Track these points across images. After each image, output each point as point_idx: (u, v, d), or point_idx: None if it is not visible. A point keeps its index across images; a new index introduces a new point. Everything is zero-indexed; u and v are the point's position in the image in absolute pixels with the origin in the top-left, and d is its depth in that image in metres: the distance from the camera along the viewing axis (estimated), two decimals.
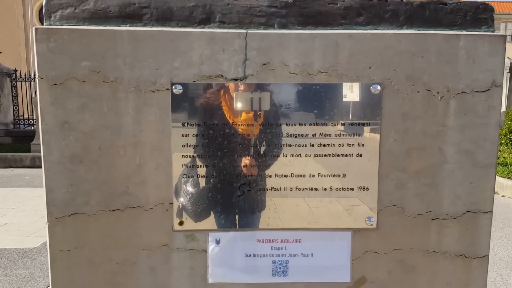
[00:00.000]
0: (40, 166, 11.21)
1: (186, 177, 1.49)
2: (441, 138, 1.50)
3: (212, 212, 1.54)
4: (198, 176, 1.50)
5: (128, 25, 1.42)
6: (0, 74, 14.67)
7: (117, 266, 1.55)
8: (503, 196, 7.84)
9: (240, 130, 1.48)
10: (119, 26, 1.42)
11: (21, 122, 15.48)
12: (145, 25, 1.43)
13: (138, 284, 1.56)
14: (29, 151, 12.37)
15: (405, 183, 1.53)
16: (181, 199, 1.52)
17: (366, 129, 1.50)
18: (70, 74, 1.41)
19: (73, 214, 1.50)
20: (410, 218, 1.55)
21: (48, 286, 4.00)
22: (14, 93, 15.13)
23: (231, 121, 1.47)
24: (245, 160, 1.49)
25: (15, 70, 15.28)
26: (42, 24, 1.45)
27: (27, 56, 25.49)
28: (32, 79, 15.13)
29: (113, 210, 1.50)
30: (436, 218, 1.55)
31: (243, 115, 1.46)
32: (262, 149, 1.49)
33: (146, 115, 1.45)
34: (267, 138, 1.48)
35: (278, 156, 1.50)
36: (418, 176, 1.52)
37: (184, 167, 1.49)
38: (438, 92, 1.47)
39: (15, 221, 6.33)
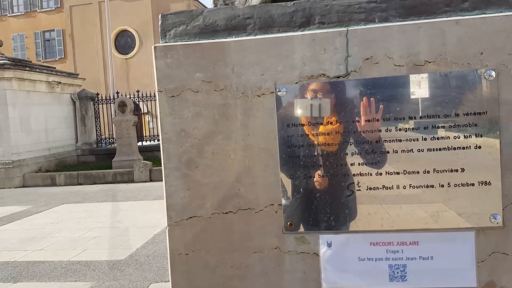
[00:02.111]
0: (120, 182, 12.16)
1: (293, 178, 1.51)
2: None
3: (321, 214, 1.53)
4: (306, 177, 1.51)
5: (234, 36, 1.53)
6: (85, 98, 16.45)
7: (232, 270, 1.59)
8: None
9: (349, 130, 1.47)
10: (226, 38, 1.53)
11: (103, 141, 16.97)
12: (249, 34, 1.52)
13: None
14: (110, 167, 13.41)
15: None
16: (290, 201, 1.53)
17: (483, 118, 1.39)
18: (186, 86, 1.54)
19: (190, 217, 1.59)
20: None
21: None
22: (96, 115, 16.70)
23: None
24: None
25: (97, 94, 16.95)
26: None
27: (105, 81, 28.97)
28: (112, 101, 16.34)
29: (226, 213, 1.56)
30: None
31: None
32: (365, 147, 1.46)
33: (253, 119, 1.51)
34: (372, 135, 1.45)
35: (388, 153, 1.45)
36: None
37: (291, 168, 1.51)
38: None
39: (103, 234, 6.79)
